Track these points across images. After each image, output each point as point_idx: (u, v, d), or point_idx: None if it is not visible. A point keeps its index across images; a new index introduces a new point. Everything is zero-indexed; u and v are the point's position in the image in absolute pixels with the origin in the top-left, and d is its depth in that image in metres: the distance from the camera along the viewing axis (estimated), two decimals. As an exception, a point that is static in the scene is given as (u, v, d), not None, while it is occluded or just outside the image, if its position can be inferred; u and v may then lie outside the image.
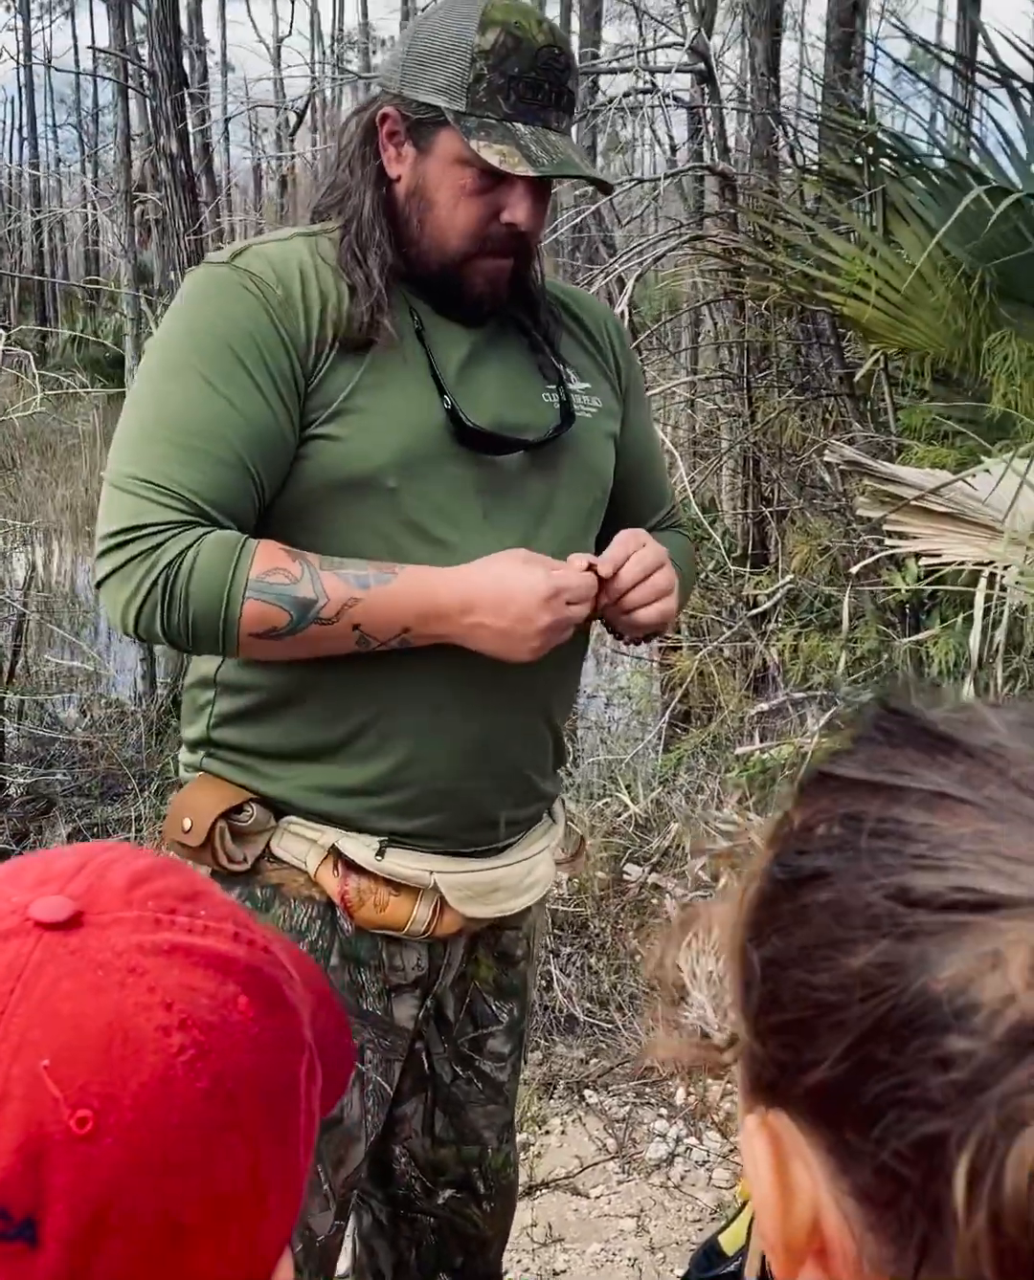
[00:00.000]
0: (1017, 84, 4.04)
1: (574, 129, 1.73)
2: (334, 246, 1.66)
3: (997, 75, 4.08)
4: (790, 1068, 0.52)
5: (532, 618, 1.57)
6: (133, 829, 5.23)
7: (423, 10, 1.74)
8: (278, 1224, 0.65)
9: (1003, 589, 3.19)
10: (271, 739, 1.70)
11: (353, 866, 1.71)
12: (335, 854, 1.71)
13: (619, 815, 4.58)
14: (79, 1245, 0.57)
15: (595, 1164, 3.11)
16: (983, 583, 3.18)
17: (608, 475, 1.84)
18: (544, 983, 3.67)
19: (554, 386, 1.76)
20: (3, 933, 0.63)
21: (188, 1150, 0.60)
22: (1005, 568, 3.20)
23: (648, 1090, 3.38)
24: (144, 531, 1.52)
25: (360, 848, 1.70)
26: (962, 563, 3.38)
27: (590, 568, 1.65)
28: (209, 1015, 0.63)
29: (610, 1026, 3.64)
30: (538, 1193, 3.01)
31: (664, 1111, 3.29)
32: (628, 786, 4.77)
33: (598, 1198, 3.02)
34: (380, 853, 1.70)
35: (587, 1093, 3.36)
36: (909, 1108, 0.47)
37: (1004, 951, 0.46)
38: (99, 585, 1.57)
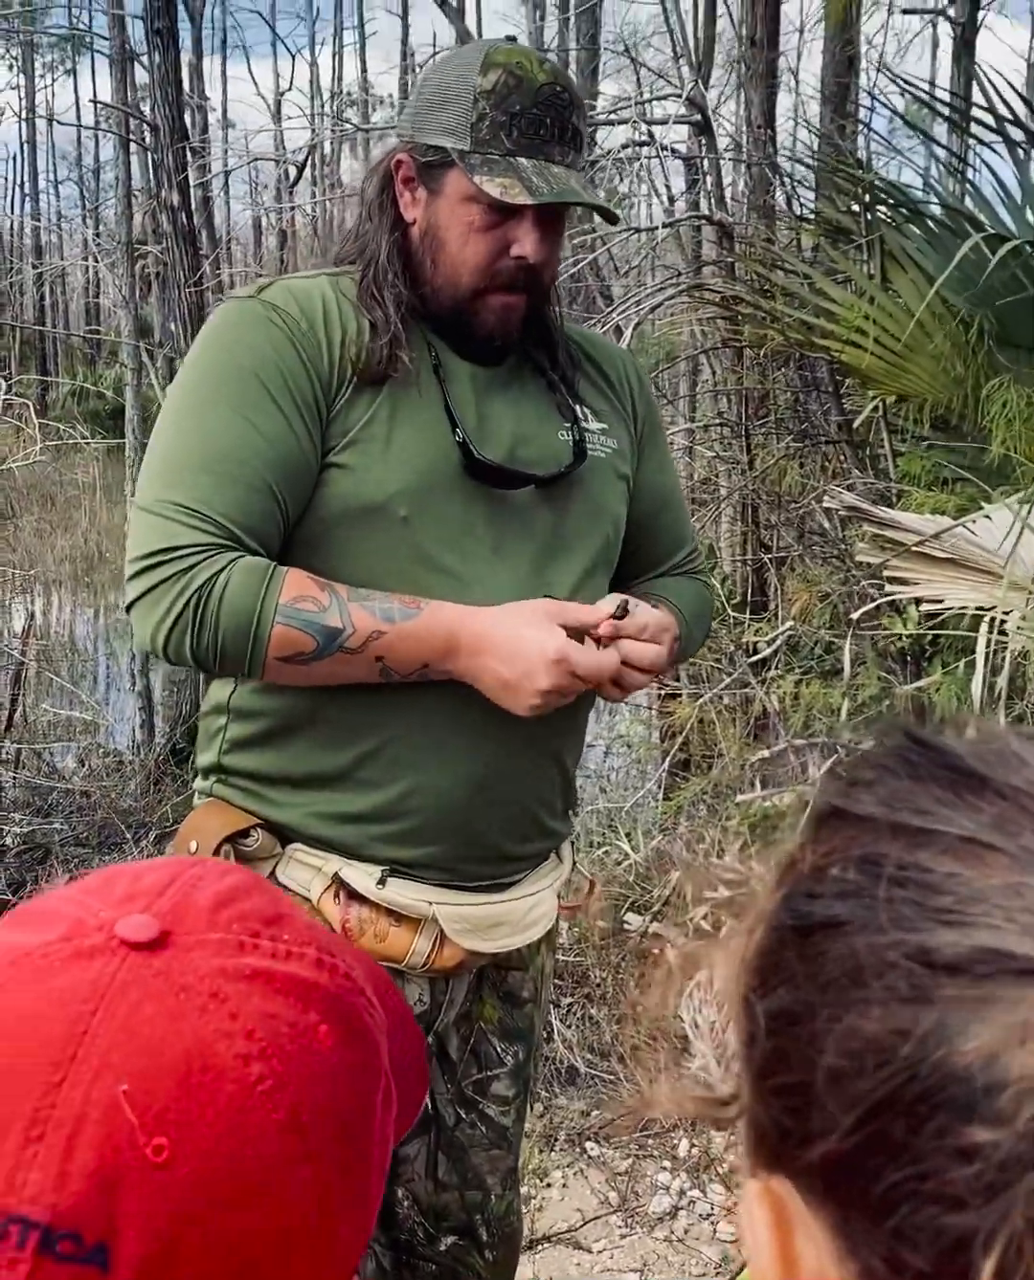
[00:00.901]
0: (1013, 133, 4.07)
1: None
2: (355, 285, 1.71)
3: (992, 125, 4.11)
4: (795, 1135, 0.48)
5: (535, 674, 1.58)
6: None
7: (433, 60, 1.79)
8: (347, 1254, 0.64)
9: (1004, 634, 3.18)
10: (279, 765, 1.71)
11: (355, 895, 1.71)
12: (338, 882, 1.71)
13: (619, 863, 4.55)
14: (150, 1272, 0.57)
15: (597, 1217, 3.06)
16: (984, 628, 3.18)
17: (619, 514, 1.86)
18: (544, 1033, 3.63)
19: (569, 425, 1.79)
20: (88, 949, 0.62)
21: (262, 1181, 0.60)
22: (1007, 613, 3.19)
23: (650, 1142, 3.33)
24: (177, 554, 1.54)
25: (362, 876, 1.70)
26: (963, 608, 3.37)
27: (620, 612, 1.66)
28: (289, 1044, 0.62)
29: (612, 1078, 3.59)
30: (539, 1247, 2.96)
31: (667, 1164, 3.24)
32: (628, 835, 4.74)
33: (601, 1252, 2.97)
34: (381, 881, 1.70)
35: (588, 1145, 3.32)
36: (927, 1199, 0.43)
37: (1033, 1023, 0.42)
38: (130, 607, 1.60)
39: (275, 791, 1.72)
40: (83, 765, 6.82)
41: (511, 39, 1.74)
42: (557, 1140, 3.33)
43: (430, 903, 1.72)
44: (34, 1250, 0.56)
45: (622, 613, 1.65)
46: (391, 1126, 0.69)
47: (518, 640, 1.59)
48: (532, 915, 1.82)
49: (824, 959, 0.48)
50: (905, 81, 4.63)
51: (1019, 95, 4.05)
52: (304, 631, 1.55)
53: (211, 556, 1.54)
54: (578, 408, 1.81)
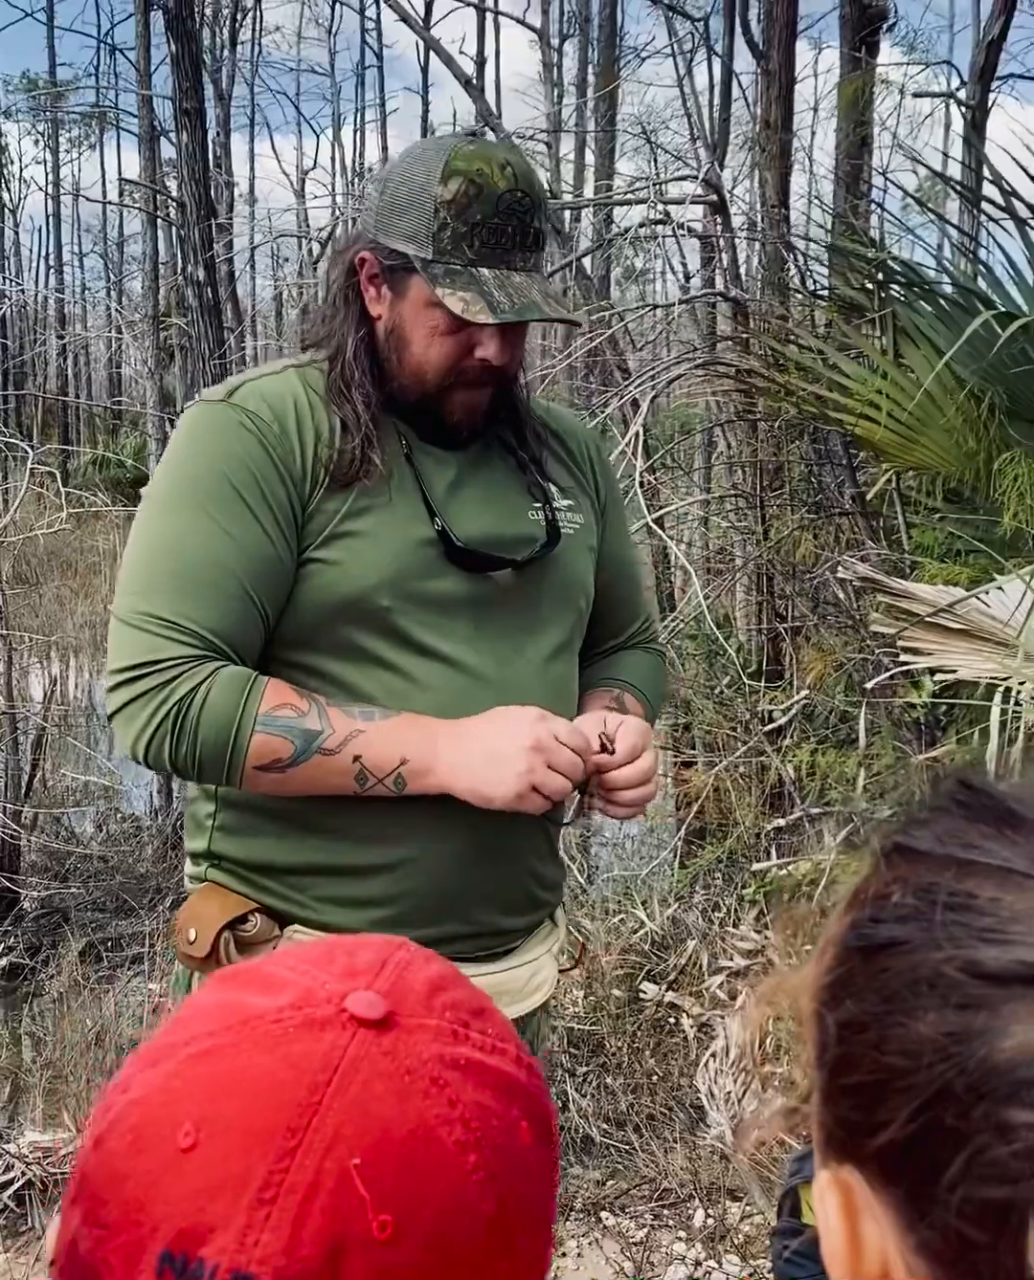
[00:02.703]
0: (1023, 212, 4.15)
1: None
2: (323, 377, 1.74)
3: (1002, 204, 4.19)
4: (861, 1128, 0.55)
5: (517, 736, 1.61)
6: (146, 943, 5.20)
7: (399, 153, 1.79)
8: None
9: (1018, 704, 3.21)
10: (272, 854, 1.73)
11: None
12: None
13: (635, 932, 4.55)
14: None
15: (613, 1288, 3.05)
16: (998, 698, 3.20)
17: (590, 586, 1.90)
18: (560, 1102, 3.62)
19: (540, 504, 1.82)
20: (319, 1021, 0.63)
21: (470, 1270, 0.60)
22: (1020, 684, 3.21)
23: (666, 1212, 3.32)
24: (158, 666, 1.57)
25: None
26: (977, 679, 3.40)
27: (605, 744, 1.70)
28: (499, 1137, 0.63)
29: (627, 1147, 3.58)
30: (555, 1317, 2.94)
31: (682, 1234, 3.23)
32: (644, 903, 4.74)
33: (616, 1323, 2.95)
34: None
35: (603, 1214, 3.30)
36: (977, 1175, 0.49)
37: None
38: (111, 717, 1.63)
39: (269, 879, 1.73)
40: (100, 830, 6.85)
41: (474, 135, 1.73)
42: (572, 1209, 3.32)
43: None
44: None
45: (609, 749, 1.70)
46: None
47: (497, 722, 1.63)
48: (533, 983, 1.84)
49: (887, 974, 0.55)
50: (921, 158, 4.72)
51: (1029, 176, 4.12)
52: (283, 736, 1.58)
53: (193, 668, 1.58)
54: (547, 486, 1.85)
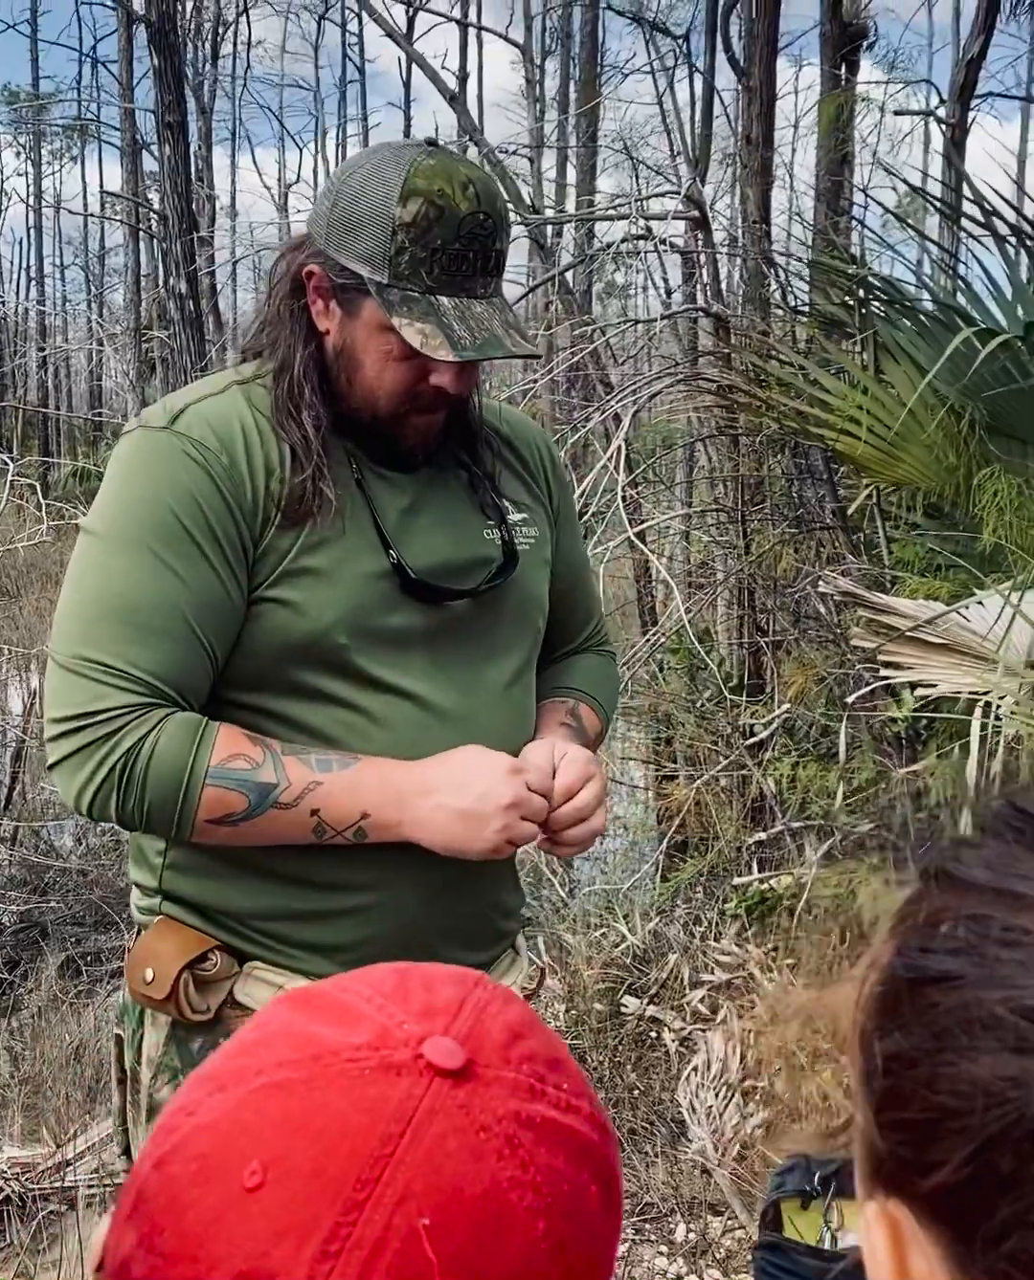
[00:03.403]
0: (1001, 229, 4.17)
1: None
2: (268, 394, 1.64)
3: (981, 222, 4.22)
4: (911, 1165, 0.53)
5: (493, 794, 1.57)
6: (126, 958, 5.18)
7: (352, 158, 1.66)
8: None
9: (997, 718, 3.22)
10: (228, 899, 1.67)
11: None
12: None
13: (616, 946, 4.55)
14: None
15: (594, 1303, 3.03)
16: (978, 712, 3.21)
17: (545, 601, 1.84)
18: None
19: (495, 524, 1.76)
20: (395, 1065, 0.61)
21: None
22: (1000, 698, 3.23)
23: (647, 1227, 3.31)
24: (101, 717, 1.50)
25: None
26: (956, 693, 3.41)
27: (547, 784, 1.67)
28: (569, 1203, 0.61)
29: (609, 1161, 3.57)
30: (535, 1333, 2.93)
31: (664, 1249, 3.22)
32: (625, 917, 4.74)
33: (597, 1339, 2.93)
34: None
35: (585, 1229, 3.29)
36: (1031, 1223, 0.48)
37: None
38: (52, 768, 1.56)
39: (228, 918, 1.67)
40: (80, 844, 6.82)
41: (433, 145, 1.61)
42: (553, 1224, 3.30)
43: None
44: None
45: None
46: None
47: (467, 770, 1.58)
48: None
49: (937, 1010, 0.54)
50: (900, 175, 4.74)
51: (1003, 198, 4.16)
52: (236, 790, 1.51)
53: (139, 717, 1.51)
54: (501, 503, 1.78)
